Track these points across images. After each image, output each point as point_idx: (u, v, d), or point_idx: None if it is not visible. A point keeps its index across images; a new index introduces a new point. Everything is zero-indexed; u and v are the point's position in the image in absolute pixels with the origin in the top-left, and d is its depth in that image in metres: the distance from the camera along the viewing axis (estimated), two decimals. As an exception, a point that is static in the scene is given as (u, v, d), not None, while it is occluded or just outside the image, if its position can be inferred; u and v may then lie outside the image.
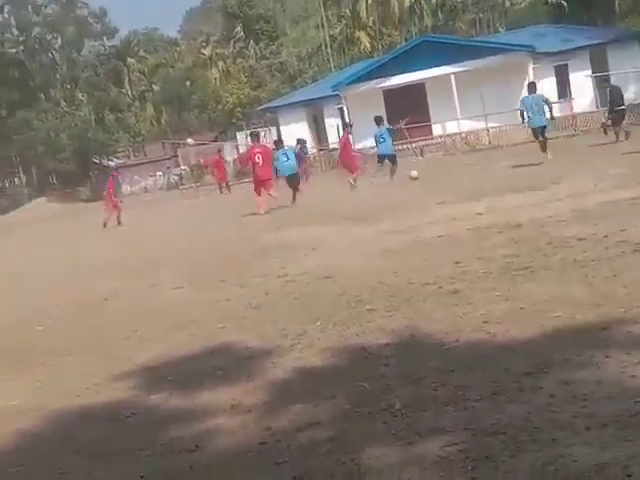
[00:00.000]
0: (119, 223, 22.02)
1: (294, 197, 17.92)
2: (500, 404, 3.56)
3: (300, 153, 23.62)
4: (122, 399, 4.67)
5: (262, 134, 49.29)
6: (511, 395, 3.65)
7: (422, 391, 3.91)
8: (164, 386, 4.77)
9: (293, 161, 18.83)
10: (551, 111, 18.62)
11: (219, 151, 34.92)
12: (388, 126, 21.09)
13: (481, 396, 3.69)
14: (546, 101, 18.48)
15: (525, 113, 18.11)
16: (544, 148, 17.89)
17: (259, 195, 17.37)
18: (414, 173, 18.87)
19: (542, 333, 4.53)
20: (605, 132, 21.55)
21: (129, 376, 5.15)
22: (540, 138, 17.98)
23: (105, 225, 21.88)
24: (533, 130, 18.30)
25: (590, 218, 8.38)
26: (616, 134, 20.84)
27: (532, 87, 18.97)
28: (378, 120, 20.67)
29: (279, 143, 20.50)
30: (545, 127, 18.22)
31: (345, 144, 21.93)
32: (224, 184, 31.52)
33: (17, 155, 61.52)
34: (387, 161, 20.21)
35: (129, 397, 4.69)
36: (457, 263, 7.08)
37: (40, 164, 61.34)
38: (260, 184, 17.38)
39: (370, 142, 37.14)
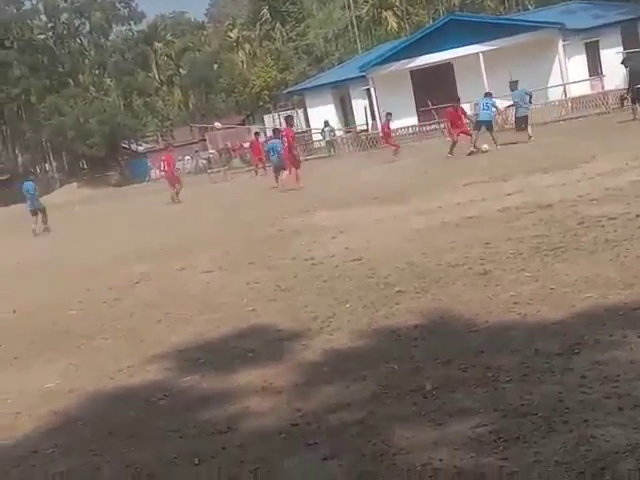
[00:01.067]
0: (177, 197, 22.59)
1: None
2: (531, 385, 3.55)
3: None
4: (155, 381, 4.73)
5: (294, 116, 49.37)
6: (542, 376, 3.64)
7: (452, 372, 3.91)
8: (196, 368, 4.83)
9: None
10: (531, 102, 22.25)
11: (256, 133, 34.52)
12: (493, 101, 22.16)
13: (511, 377, 3.68)
14: (529, 94, 21.93)
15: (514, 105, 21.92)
16: (527, 132, 21.16)
17: (290, 173, 18.96)
18: (485, 147, 19.78)
19: (573, 313, 4.50)
20: (622, 105, 21.93)
21: (161, 359, 5.22)
22: (523, 126, 21.32)
23: (176, 199, 22.42)
24: (518, 119, 21.69)
25: (622, 197, 8.29)
26: (633, 110, 21.16)
27: (515, 84, 22.73)
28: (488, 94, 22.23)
29: (276, 132, 22.89)
30: (527, 116, 21.66)
31: (459, 114, 22.78)
32: (260, 165, 30.78)
33: (47, 141, 62.12)
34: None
35: (162, 379, 4.75)
36: (487, 244, 7.05)
37: (70, 149, 61.91)
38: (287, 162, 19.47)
39: (398, 123, 37.14)
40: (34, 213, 20.04)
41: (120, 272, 9.63)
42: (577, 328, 4.22)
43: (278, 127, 28.13)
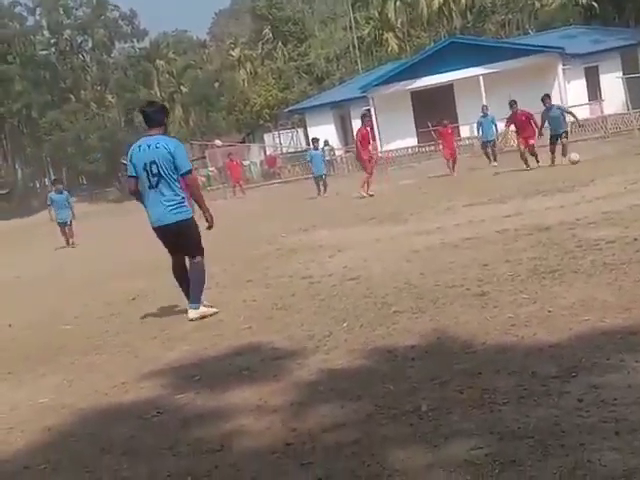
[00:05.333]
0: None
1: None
2: (527, 408, 3.53)
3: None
4: (149, 398, 4.70)
5: (290, 135, 49.49)
6: (538, 399, 3.61)
7: (448, 394, 3.88)
8: (191, 385, 4.80)
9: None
10: (496, 129, 24.35)
11: (229, 154, 35.09)
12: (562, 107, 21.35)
13: (508, 399, 3.66)
14: (493, 120, 24.09)
15: (480, 130, 24.20)
16: (494, 156, 23.60)
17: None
18: (575, 156, 18.17)
19: (570, 336, 4.49)
20: None
21: (156, 375, 5.19)
22: (488, 149, 23.85)
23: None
24: (485, 143, 24.02)
25: (620, 221, 8.29)
26: None
27: (485, 108, 24.76)
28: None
29: (315, 142, 24.79)
30: (493, 141, 24.10)
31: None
32: (238, 186, 32.05)
33: (47, 156, 62.28)
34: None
35: (156, 396, 4.72)
36: (484, 265, 7.04)
37: (70, 165, 62.09)
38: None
39: (395, 144, 37.26)
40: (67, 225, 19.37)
41: (118, 288, 9.62)
42: (574, 351, 4.21)
43: (316, 137, 27.12)
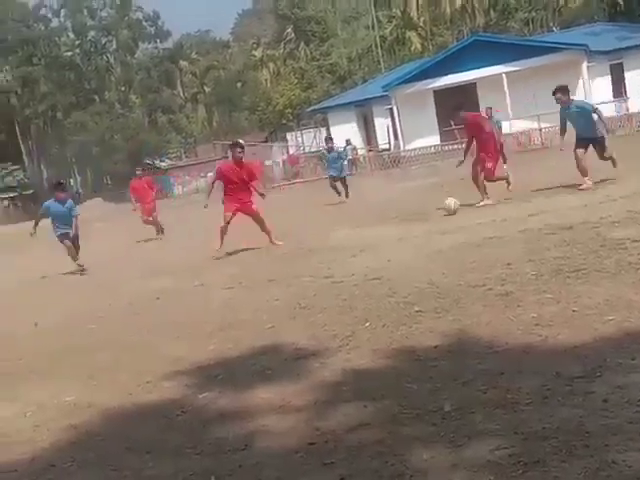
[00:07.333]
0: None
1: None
2: (551, 408, 3.51)
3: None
4: (173, 397, 4.73)
5: (312, 134, 49.44)
6: (562, 399, 3.59)
7: (471, 394, 3.87)
8: (214, 385, 4.82)
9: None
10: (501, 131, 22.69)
11: (253, 154, 34.74)
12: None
13: (532, 400, 3.64)
14: (498, 122, 22.28)
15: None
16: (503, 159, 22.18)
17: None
18: (450, 203, 12.10)
19: (595, 336, 4.45)
20: None
21: (179, 375, 5.22)
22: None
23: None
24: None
25: (645, 220, 8.20)
26: None
27: (489, 110, 22.66)
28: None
29: (328, 142, 22.04)
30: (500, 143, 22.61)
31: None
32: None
33: (72, 157, 62.79)
34: None
35: (180, 396, 4.75)
36: (508, 265, 7.00)
37: (95, 165, 62.55)
38: None
39: (417, 143, 37.14)
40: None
41: (141, 287, 9.68)
42: (599, 351, 4.18)
43: (329, 136, 24.39)
